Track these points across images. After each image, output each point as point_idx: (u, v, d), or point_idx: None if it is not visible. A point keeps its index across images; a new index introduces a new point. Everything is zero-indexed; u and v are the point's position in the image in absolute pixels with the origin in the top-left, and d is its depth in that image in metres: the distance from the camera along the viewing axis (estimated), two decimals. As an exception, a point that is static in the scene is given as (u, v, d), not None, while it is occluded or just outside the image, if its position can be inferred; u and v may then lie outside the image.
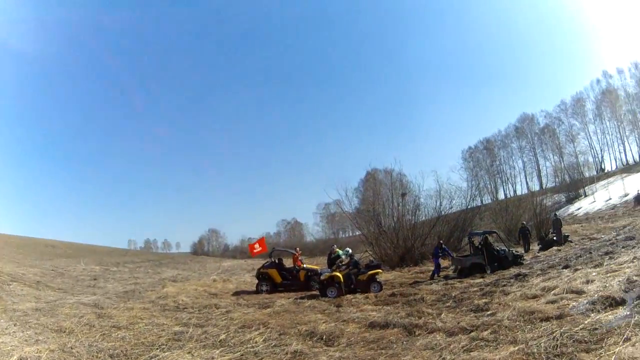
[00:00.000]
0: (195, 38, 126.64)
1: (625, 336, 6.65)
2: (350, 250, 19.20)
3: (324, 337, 9.10)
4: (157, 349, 8.40)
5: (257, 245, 22.14)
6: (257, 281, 19.33)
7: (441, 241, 21.60)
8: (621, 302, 8.58)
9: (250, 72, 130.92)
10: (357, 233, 32.30)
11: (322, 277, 16.69)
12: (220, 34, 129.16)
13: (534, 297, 10.88)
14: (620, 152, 74.90)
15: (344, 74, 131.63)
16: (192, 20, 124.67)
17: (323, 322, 10.59)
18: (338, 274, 16.40)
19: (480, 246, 19.67)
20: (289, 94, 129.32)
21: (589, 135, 76.62)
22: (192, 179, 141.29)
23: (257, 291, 18.52)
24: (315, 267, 20.46)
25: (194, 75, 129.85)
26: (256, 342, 8.78)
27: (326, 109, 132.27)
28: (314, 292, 17.11)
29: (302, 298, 15.63)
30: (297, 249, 22.57)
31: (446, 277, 18.87)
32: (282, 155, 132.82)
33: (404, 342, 8.49)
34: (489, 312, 10.06)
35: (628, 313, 7.86)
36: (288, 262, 20.83)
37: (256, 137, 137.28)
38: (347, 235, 71.30)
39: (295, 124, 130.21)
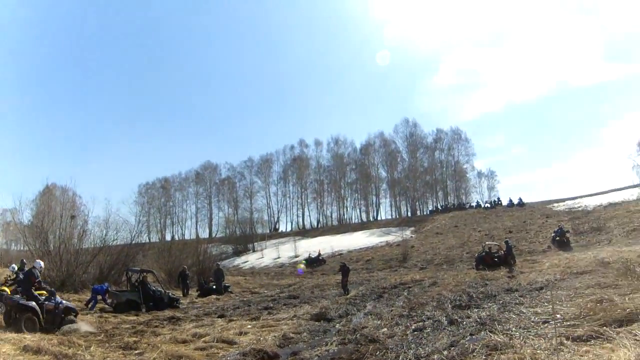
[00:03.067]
0: None
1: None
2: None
3: (-21, 357, 8.55)
4: None
5: None
6: None
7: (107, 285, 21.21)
8: (274, 357, 9.30)
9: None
10: (27, 248, 29.42)
11: None
12: None
13: (184, 342, 11.16)
14: (298, 216, 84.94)
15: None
16: None
17: (-22, 341, 9.88)
18: (6, 288, 15.79)
19: (137, 283, 19.96)
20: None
21: (269, 195, 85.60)
22: None
23: None
24: None
25: None
26: None
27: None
28: None
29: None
30: None
31: (102, 310, 18.49)
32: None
33: (52, 371, 8.23)
34: (137, 351, 9.96)
35: (281, 368, 8.54)
36: None
37: None
38: (19, 248, 63.69)
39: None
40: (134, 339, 11.47)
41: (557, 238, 33.79)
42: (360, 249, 49.47)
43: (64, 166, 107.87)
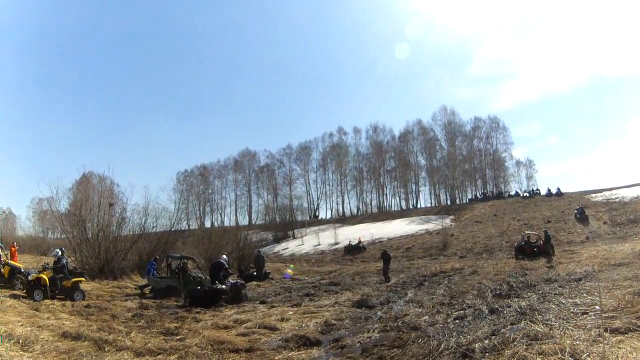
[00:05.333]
0: None
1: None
2: (59, 252, 17.86)
3: (21, 341, 8.66)
4: None
5: None
6: None
7: (157, 257, 21.54)
8: (316, 343, 9.18)
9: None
10: (64, 236, 30.04)
11: (29, 278, 15.97)
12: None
13: (226, 327, 11.23)
14: (338, 204, 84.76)
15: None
16: None
17: (20, 325, 10.00)
18: (44, 276, 15.80)
19: (177, 270, 20.00)
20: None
21: (309, 182, 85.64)
22: None
23: None
24: (20, 265, 19.34)
25: None
26: (-45, 342, 8.23)
27: (43, 101, 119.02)
28: (17, 292, 16.19)
29: (5, 296, 14.56)
30: (14, 243, 23.01)
31: (142, 296, 18.57)
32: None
33: (94, 357, 8.32)
34: (178, 337, 10.00)
35: (323, 354, 8.45)
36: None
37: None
38: (55, 236, 65.52)
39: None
40: (175, 324, 11.56)
41: (578, 215, 40.15)
42: (400, 236, 48.97)
43: (101, 155, 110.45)
